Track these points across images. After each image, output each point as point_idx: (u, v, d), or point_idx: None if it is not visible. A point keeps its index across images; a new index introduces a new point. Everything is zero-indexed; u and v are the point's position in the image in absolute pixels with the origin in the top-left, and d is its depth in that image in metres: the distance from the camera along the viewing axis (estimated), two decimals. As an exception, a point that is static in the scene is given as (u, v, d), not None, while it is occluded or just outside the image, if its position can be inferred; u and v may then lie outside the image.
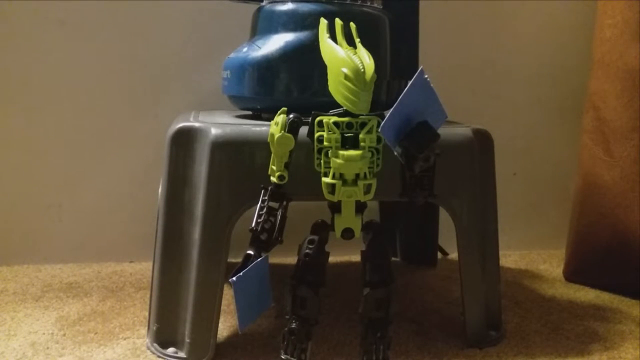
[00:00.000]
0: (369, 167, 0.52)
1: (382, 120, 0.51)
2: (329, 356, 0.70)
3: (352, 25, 0.54)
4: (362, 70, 0.50)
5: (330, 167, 0.52)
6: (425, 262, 1.05)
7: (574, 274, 1.00)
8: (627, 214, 0.91)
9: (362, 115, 0.52)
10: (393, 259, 1.00)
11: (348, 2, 0.72)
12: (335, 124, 0.52)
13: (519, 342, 0.76)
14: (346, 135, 0.52)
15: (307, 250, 0.55)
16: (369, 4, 0.74)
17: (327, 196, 0.53)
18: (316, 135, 0.53)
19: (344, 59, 0.50)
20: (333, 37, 0.55)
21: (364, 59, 0.51)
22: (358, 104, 0.50)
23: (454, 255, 1.10)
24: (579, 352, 0.74)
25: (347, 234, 0.54)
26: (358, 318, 0.55)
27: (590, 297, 0.93)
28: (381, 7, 0.77)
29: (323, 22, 0.56)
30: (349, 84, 0.50)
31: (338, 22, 0.54)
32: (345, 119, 0.52)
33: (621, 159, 0.91)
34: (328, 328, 0.77)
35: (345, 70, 0.50)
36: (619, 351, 0.74)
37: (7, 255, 1.01)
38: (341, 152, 0.51)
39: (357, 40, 0.53)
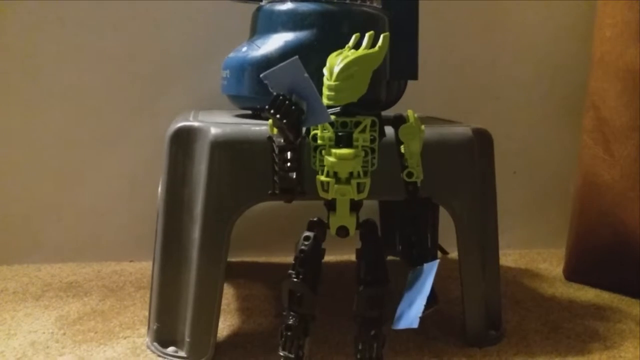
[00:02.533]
0: (363, 167, 0.52)
1: (379, 120, 0.51)
2: (329, 356, 0.70)
3: (386, 35, 0.52)
4: (337, 62, 0.50)
5: (324, 165, 0.53)
6: (425, 262, 1.05)
7: (574, 274, 1.00)
8: (627, 214, 0.91)
9: (359, 114, 0.52)
10: (393, 259, 1.01)
11: (348, 2, 0.73)
12: (330, 122, 0.53)
13: (518, 341, 0.76)
14: (340, 133, 0.52)
15: (303, 247, 0.55)
16: (368, 3, 0.74)
17: (321, 194, 0.53)
18: (311, 133, 0.53)
19: (330, 59, 0.51)
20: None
21: (347, 57, 0.51)
22: (326, 94, 0.50)
23: (454, 255, 1.10)
24: (579, 351, 0.74)
25: (342, 231, 0.54)
26: (353, 316, 0.56)
27: (590, 297, 0.93)
28: (381, 7, 0.77)
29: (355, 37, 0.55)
30: (324, 80, 0.50)
31: (369, 35, 0.53)
32: (340, 118, 0.53)
33: (621, 159, 0.91)
34: (328, 327, 0.77)
35: (325, 70, 0.51)
36: (619, 350, 0.74)
37: (7, 255, 1.01)
38: (334, 150, 0.51)
39: (380, 44, 0.52)
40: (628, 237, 0.91)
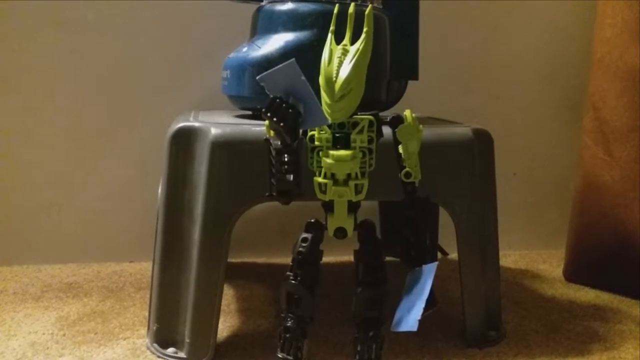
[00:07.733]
0: (360, 168, 0.52)
1: (376, 121, 0.51)
2: (329, 356, 0.70)
3: (369, 9, 0.51)
4: (334, 80, 0.49)
5: (322, 167, 0.52)
6: (424, 263, 1.05)
7: (574, 274, 1.00)
8: (627, 214, 0.91)
9: (356, 114, 0.52)
10: (393, 259, 1.00)
11: (348, 2, 0.72)
12: (327, 123, 0.52)
13: (519, 342, 0.76)
14: (337, 135, 0.52)
15: (300, 249, 0.55)
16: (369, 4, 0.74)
17: (319, 195, 0.53)
18: (309, 134, 0.53)
19: (323, 65, 0.50)
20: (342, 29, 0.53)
21: (343, 67, 0.50)
22: (330, 114, 0.49)
23: (454, 255, 1.10)
24: (578, 352, 0.74)
25: (340, 233, 0.54)
26: (352, 317, 0.56)
27: (590, 298, 0.93)
28: (381, 6, 0.77)
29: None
30: (322, 93, 0.50)
31: (351, 11, 0.52)
32: None
33: (621, 159, 0.91)
34: (327, 328, 0.77)
35: (320, 79, 0.50)
36: (619, 351, 0.74)
37: (7, 255, 1.01)
38: (332, 151, 0.51)
39: (365, 29, 0.51)
40: (628, 238, 0.91)
